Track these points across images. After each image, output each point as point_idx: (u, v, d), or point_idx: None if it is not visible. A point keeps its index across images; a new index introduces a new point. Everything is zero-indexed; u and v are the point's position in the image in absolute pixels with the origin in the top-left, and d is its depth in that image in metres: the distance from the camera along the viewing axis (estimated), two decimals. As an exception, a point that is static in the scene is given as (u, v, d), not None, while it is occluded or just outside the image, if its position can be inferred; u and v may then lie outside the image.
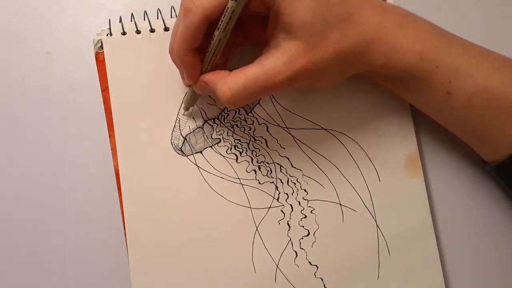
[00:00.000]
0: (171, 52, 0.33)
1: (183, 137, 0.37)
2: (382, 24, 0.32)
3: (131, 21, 0.38)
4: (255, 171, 0.37)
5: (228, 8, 0.30)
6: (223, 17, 0.30)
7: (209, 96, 0.37)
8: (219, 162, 0.37)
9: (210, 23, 0.31)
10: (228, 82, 0.31)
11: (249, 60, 0.32)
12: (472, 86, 0.32)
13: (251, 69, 0.31)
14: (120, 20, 0.38)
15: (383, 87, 0.36)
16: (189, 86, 0.35)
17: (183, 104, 0.37)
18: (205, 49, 0.32)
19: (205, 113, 0.37)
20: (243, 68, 0.31)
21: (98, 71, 0.38)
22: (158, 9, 0.38)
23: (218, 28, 0.31)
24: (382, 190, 0.37)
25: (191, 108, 0.37)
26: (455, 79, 0.32)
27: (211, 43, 0.32)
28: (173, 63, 0.33)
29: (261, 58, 0.31)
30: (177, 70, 0.35)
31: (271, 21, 0.31)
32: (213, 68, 0.33)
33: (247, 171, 0.37)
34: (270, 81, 0.30)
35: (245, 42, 0.35)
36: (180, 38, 0.31)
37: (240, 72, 0.31)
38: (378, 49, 0.32)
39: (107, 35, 0.37)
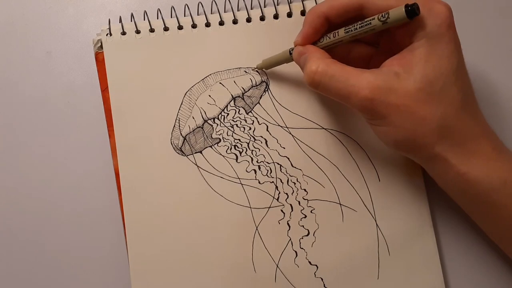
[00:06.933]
0: (312, 8, 0.33)
1: (183, 137, 0.37)
2: (478, 137, 0.31)
3: (131, 21, 0.38)
4: (255, 171, 0.37)
5: (370, 23, 0.30)
6: (359, 26, 0.31)
7: (209, 95, 0.37)
8: (219, 162, 0.37)
9: (363, 15, 0.31)
10: (322, 62, 0.31)
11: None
12: None
13: (351, 68, 0.31)
14: (120, 20, 0.38)
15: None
16: (296, 45, 0.34)
17: (261, 62, 0.37)
18: (335, 28, 0.33)
19: (205, 113, 0.38)
20: (344, 64, 0.31)
21: (98, 71, 0.38)
22: (158, 9, 0.38)
23: (348, 32, 0.31)
24: (382, 190, 0.37)
25: (262, 70, 0.38)
26: None
27: (344, 31, 0.32)
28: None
29: (364, 69, 0.31)
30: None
31: (403, 52, 0.31)
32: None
33: (247, 171, 0.37)
34: (355, 88, 0.30)
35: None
36: (327, 3, 0.32)
37: (339, 63, 0.31)
38: (460, 153, 0.31)
39: (106, 35, 0.37)
